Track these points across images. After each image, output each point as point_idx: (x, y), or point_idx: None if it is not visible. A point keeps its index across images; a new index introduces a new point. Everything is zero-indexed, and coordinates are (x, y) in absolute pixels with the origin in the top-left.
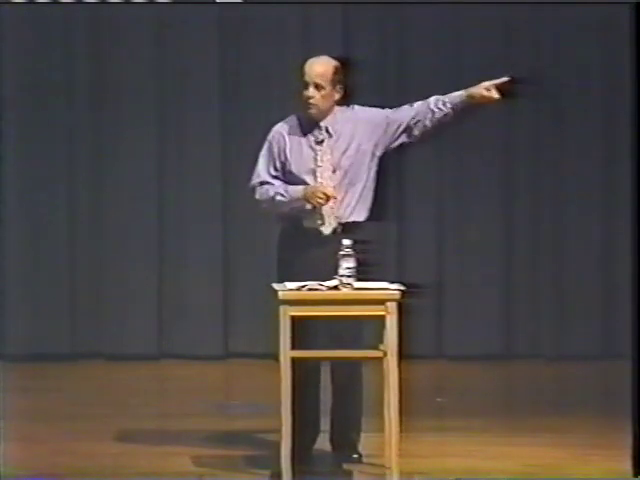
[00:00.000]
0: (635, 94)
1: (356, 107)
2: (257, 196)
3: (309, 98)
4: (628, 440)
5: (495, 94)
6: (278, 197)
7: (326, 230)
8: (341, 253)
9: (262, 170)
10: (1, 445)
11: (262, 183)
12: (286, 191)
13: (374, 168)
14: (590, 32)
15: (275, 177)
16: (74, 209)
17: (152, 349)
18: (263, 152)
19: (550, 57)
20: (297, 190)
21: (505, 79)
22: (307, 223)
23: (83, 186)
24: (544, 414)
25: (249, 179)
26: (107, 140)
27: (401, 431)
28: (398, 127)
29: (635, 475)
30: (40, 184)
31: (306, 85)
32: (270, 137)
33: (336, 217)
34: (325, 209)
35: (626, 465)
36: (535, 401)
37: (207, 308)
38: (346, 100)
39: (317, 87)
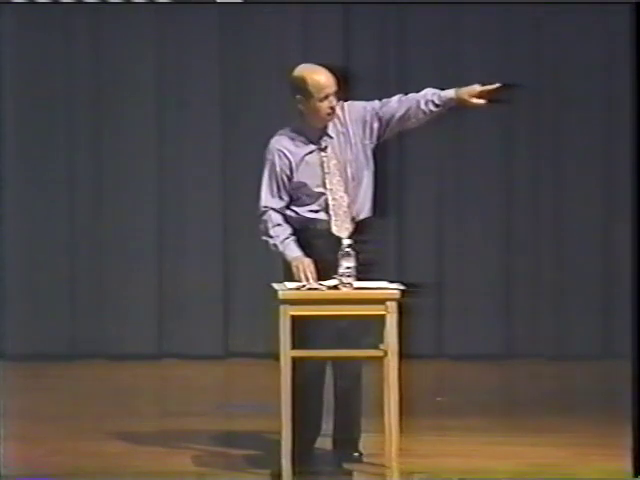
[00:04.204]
0: (635, 94)
1: (345, 105)
2: (260, 226)
3: (333, 108)
4: (628, 440)
5: (482, 101)
6: (272, 247)
7: (342, 234)
8: (341, 252)
9: (265, 192)
10: (1, 445)
11: (266, 208)
12: (281, 245)
13: (372, 162)
14: (590, 32)
15: (280, 197)
16: (74, 209)
17: (152, 349)
18: (265, 172)
19: (550, 57)
20: (291, 251)
21: (496, 85)
22: (321, 225)
23: (83, 186)
24: (544, 414)
25: (249, 179)
26: (107, 140)
27: (401, 431)
28: (389, 123)
29: (635, 475)
30: (40, 184)
31: (326, 97)
32: (270, 156)
33: (351, 223)
34: (339, 217)
35: (626, 465)
36: (535, 401)
37: (207, 308)
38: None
39: (335, 94)
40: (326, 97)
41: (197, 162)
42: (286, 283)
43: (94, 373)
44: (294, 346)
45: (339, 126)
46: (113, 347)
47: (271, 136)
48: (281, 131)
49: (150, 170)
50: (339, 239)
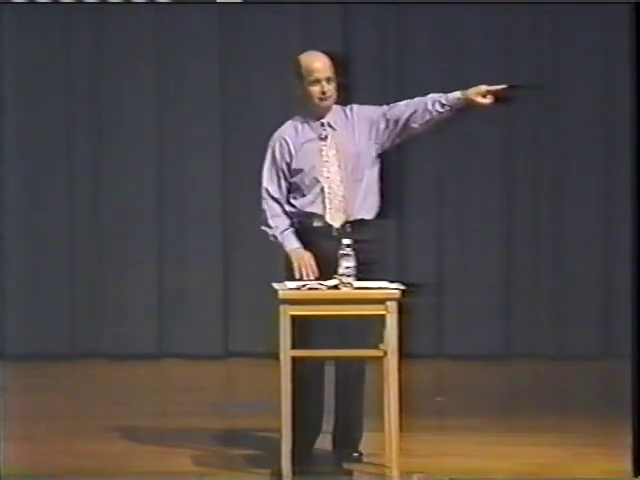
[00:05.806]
0: (635, 93)
1: (354, 106)
2: (263, 206)
3: (325, 93)
4: (628, 440)
5: (489, 101)
6: (271, 237)
7: (335, 222)
8: (341, 252)
9: (265, 179)
10: (1, 445)
11: (267, 191)
12: (280, 236)
13: (377, 166)
14: (590, 32)
15: (279, 185)
16: (74, 209)
17: (152, 349)
18: (266, 160)
19: (550, 57)
20: (290, 242)
21: (502, 86)
22: (316, 222)
23: (83, 186)
24: (544, 414)
25: (249, 179)
26: (107, 139)
27: (401, 430)
28: (396, 125)
29: (635, 475)
30: (40, 184)
31: (317, 81)
32: (271, 143)
33: (345, 213)
34: (334, 206)
35: (626, 465)
36: (535, 401)
37: (207, 308)
38: (342, 98)
39: (328, 80)
40: (317, 81)
41: (197, 162)
42: (286, 283)
43: (94, 373)
44: (294, 346)
45: (344, 120)
46: (113, 347)
47: (271, 134)
48: (286, 122)
49: (150, 169)
50: (338, 236)
